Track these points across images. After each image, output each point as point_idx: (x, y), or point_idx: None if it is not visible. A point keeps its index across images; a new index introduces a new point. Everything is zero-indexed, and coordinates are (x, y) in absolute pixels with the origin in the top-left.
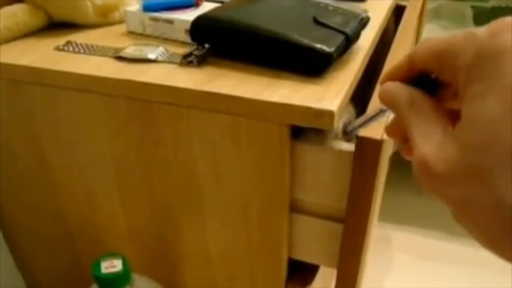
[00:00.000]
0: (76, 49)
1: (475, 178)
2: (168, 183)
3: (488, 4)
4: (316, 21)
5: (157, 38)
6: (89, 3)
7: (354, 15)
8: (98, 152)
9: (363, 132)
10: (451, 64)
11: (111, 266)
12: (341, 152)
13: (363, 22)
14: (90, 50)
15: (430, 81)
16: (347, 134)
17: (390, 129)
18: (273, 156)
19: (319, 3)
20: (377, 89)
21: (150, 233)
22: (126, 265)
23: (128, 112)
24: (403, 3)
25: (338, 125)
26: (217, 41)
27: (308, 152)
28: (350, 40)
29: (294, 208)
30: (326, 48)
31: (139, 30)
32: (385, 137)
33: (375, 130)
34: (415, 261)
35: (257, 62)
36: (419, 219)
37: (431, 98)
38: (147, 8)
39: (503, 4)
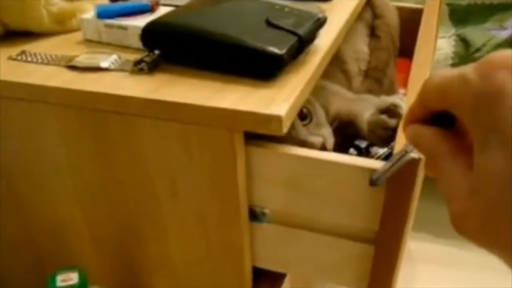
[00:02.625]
0: (30, 59)
1: (499, 228)
2: (126, 194)
3: (464, 2)
4: (269, 23)
5: (113, 45)
6: (44, 11)
7: (309, 15)
8: (56, 162)
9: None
10: (454, 110)
11: (68, 279)
12: (297, 156)
13: (319, 23)
14: (44, 59)
15: (448, 116)
16: (374, 184)
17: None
18: (226, 163)
19: (275, 4)
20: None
21: (114, 244)
22: (82, 278)
23: (80, 122)
24: (417, 6)
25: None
26: (168, 47)
27: (262, 157)
28: (303, 41)
29: (256, 216)
30: (276, 50)
31: (95, 37)
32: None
33: None
34: (438, 271)
35: (210, 68)
36: (439, 228)
37: (450, 138)
38: (101, 15)
39: (478, 2)
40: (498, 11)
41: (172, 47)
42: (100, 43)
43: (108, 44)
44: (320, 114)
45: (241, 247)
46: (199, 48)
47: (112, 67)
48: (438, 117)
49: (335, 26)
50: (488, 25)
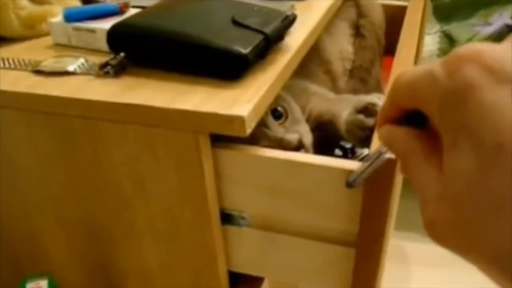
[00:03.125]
0: None
1: (470, 233)
2: (97, 199)
3: None
4: (235, 22)
5: (82, 48)
6: (13, 16)
7: (277, 13)
8: (27, 169)
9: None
10: (424, 109)
11: (37, 287)
12: (267, 158)
13: (288, 21)
14: (11, 64)
15: (420, 115)
16: (351, 186)
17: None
18: (192, 166)
19: (243, 3)
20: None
21: (88, 248)
22: (52, 285)
23: (47, 128)
24: (402, 3)
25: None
26: (134, 49)
27: (231, 159)
28: (270, 40)
29: (230, 219)
30: (240, 50)
31: (64, 41)
32: None
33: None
34: (433, 272)
35: (176, 69)
36: None
37: (424, 138)
38: (69, 18)
39: None
40: (483, 6)
41: (137, 49)
42: (69, 47)
43: (77, 48)
44: (296, 111)
45: (214, 251)
46: (164, 49)
47: (79, 71)
48: (411, 116)
49: (308, 25)
50: (473, 21)
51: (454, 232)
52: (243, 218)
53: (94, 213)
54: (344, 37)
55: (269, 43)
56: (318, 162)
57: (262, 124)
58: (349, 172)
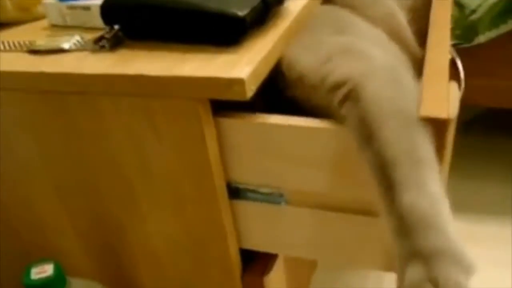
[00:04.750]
0: None
1: None
2: (100, 179)
3: None
4: None
5: (78, 27)
6: None
7: None
8: (27, 152)
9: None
10: None
11: (42, 271)
12: (270, 125)
13: None
14: (6, 47)
15: None
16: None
17: None
18: (194, 137)
19: None
20: None
21: (95, 234)
22: (58, 270)
23: (45, 107)
24: None
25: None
26: (128, 21)
27: (233, 128)
28: (268, 3)
29: (237, 193)
30: (237, 12)
31: (60, 22)
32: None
33: (437, 107)
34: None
35: (173, 38)
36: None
37: None
38: None
39: None
40: None
41: (132, 20)
42: (66, 27)
43: (74, 27)
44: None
45: (222, 228)
46: (158, 18)
47: (74, 47)
48: None
49: None
50: None
51: None
52: (252, 191)
53: (97, 193)
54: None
55: (268, 7)
56: (323, 125)
57: None
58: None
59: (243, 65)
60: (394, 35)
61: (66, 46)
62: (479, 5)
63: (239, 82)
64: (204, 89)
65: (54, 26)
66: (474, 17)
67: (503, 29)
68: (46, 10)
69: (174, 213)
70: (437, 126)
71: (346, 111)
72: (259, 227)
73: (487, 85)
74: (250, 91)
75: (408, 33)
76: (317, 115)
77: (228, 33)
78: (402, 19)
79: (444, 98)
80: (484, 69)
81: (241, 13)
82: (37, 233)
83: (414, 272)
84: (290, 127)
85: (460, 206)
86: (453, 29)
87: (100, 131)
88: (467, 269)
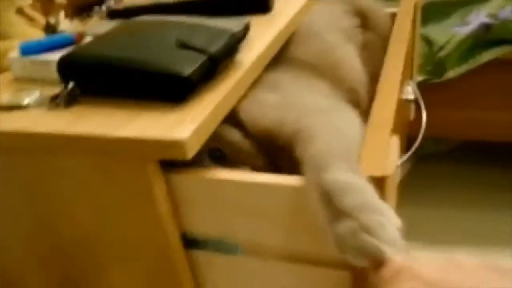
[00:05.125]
0: None
1: None
2: (62, 230)
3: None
4: (180, 44)
5: (41, 81)
6: None
7: (224, 32)
8: None
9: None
10: None
11: None
12: (219, 180)
13: (235, 38)
14: None
15: None
16: None
17: None
18: (144, 193)
19: (189, 24)
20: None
21: (63, 281)
22: None
23: (8, 164)
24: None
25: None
26: (82, 78)
27: (185, 183)
28: (215, 59)
29: (195, 244)
30: (183, 71)
31: (24, 75)
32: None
33: (374, 165)
34: None
35: (125, 95)
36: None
37: None
38: (25, 52)
39: None
40: (459, 6)
41: (86, 78)
42: (30, 80)
43: (37, 80)
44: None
45: (179, 277)
46: (110, 76)
47: (33, 104)
48: None
49: (266, 39)
50: (450, 21)
51: None
52: (208, 242)
53: (62, 245)
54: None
55: (216, 63)
56: (268, 180)
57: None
58: (298, 189)
59: (186, 125)
60: (329, 70)
61: (25, 102)
62: (447, 42)
63: (179, 144)
64: (147, 149)
65: (18, 79)
66: (442, 53)
67: (472, 64)
68: (11, 64)
69: (134, 265)
70: (374, 181)
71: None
72: (218, 277)
73: (461, 118)
74: (192, 151)
75: (348, 66)
76: None
77: (175, 91)
78: (343, 53)
79: (382, 155)
80: (458, 102)
81: (186, 72)
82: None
83: (341, 226)
84: (237, 182)
85: (426, 235)
86: (423, 65)
87: (57, 187)
88: (387, 214)
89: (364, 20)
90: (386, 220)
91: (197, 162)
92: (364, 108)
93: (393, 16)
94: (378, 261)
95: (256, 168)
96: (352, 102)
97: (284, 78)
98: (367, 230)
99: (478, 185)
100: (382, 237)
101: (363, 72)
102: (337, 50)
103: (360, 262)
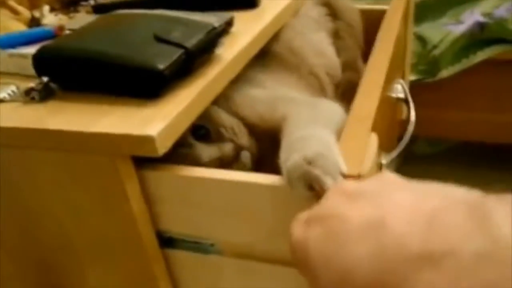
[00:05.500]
0: None
1: None
2: (37, 228)
3: None
4: (157, 38)
5: (18, 75)
6: None
7: (203, 26)
8: None
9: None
10: None
11: None
12: (194, 178)
13: (215, 33)
14: None
15: None
16: None
17: None
18: (116, 190)
19: (168, 17)
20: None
21: (39, 281)
22: None
23: None
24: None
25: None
26: (58, 72)
27: (158, 180)
28: (192, 54)
29: (170, 243)
30: (157, 66)
31: (1, 68)
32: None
33: (351, 164)
34: None
35: (100, 90)
36: None
37: None
38: (3, 45)
39: None
40: (453, 5)
41: (61, 72)
42: (8, 73)
43: (15, 74)
44: (228, 127)
45: (154, 277)
46: (85, 71)
47: (8, 98)
48: None
49: (249, 35)
50: (444, 20)
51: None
52: (184, 241)
53: (37, 242)
54: (328, 48)
55: (192, 57)
56: (246, 179)
57: (183, 145)
58: (276, 188)
59: (158, 121)
60: (291, 58)
61: (0, 96)
62: (441, 41)
63: (150, 139)
64: (118, 146)
65: None
66: (436, 52)
67: (465, 63)
68: None
69: (111, 265)
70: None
71: None
72: (194, 276)
73: (456, 119)
74: (163, 148)
75: (306, 51)
76: None
77: (148, 86)
78: (304, 41)
79: (359, 153)
80: (452, 103)
81: (160, 66)
82: None
83: (289, 162)
84: (214, 180)
85: None
86: (416, 64)
87: (32, 183)
88: (333, 149)
89: (331, 10)
90: (329, 152)
91: (181, 145)
92: (331, 93)
93: (383, 13)
94: (320, 191)
95: (239, 148)
96: (313, 87)
97: (261, 75)
98: (310, 161)
99: (472, 186)
100: (323, 167)
101: (327, 58)
102: (297, 37)
103: (304, 193)
